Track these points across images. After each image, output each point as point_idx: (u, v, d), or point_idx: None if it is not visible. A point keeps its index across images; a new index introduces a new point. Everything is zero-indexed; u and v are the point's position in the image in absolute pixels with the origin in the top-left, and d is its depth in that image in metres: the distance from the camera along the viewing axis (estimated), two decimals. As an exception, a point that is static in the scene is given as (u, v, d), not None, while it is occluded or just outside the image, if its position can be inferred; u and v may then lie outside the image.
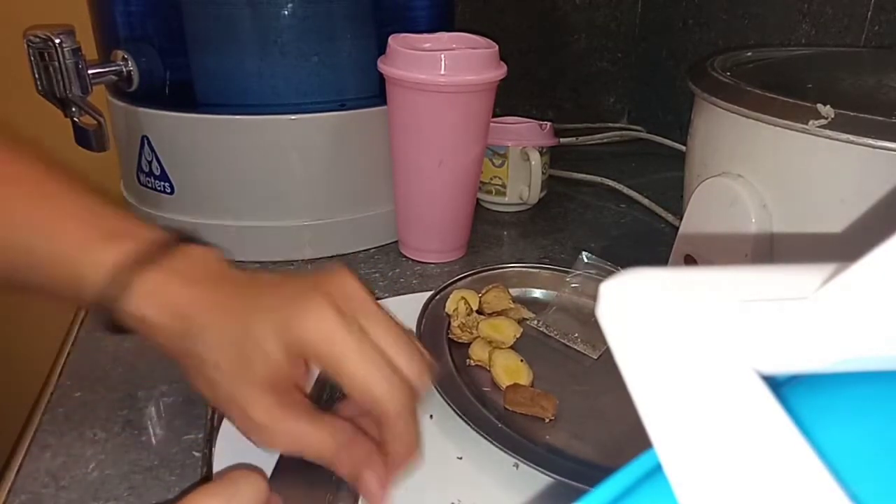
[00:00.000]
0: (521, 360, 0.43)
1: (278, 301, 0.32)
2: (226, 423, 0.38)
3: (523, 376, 0.42)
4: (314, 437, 0.31)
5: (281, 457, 0.35)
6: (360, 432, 0.32)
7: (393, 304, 0.52)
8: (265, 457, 0.36)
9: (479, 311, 0.49)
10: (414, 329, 0.46)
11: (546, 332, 0.48)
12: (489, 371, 0.44)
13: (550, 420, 0.40)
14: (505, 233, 0.69)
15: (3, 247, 0.35)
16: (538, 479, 0.35)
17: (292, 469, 0.34)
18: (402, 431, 0.31)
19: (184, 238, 0.35)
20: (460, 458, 0.37)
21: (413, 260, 0.61)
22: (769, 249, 0.41)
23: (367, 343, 0.30)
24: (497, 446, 0.35)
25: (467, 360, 0.45)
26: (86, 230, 0.34)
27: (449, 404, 0.38)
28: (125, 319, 0.33)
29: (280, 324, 0.31)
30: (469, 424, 0.37)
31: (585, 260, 0.53)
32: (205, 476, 0.36)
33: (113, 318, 0.33)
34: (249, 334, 0.31)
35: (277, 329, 0.31)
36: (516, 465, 0.36)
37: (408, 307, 0.48)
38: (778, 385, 0.14)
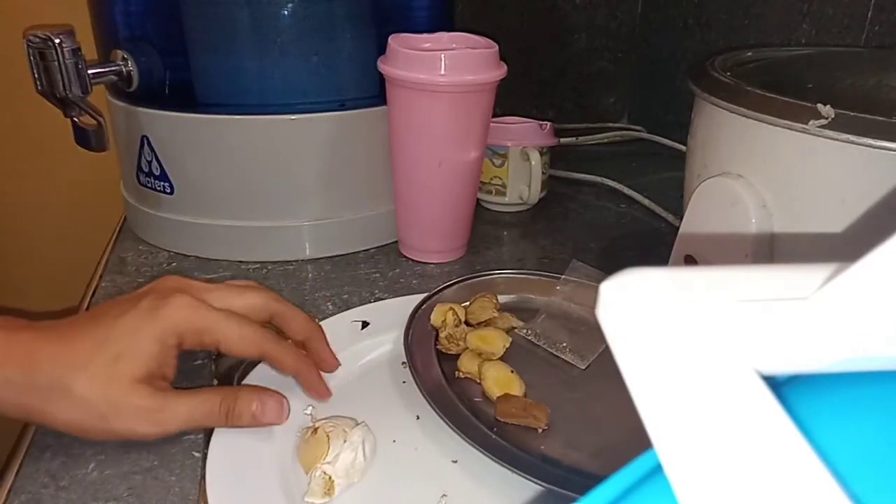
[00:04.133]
0: (512, 371, 0.42)
1: (133, 318, 0.37)
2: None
3: (515, 388, 0.42)
4: (198, 400, 0.37)
5: None
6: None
7: (393, 304, 0.52)
8: (266, 457, 0.36)
9: (466, 322, 0.48)
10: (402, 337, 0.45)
11: (534, 341, 0.47)
12: (479, 384, 0.43)
13: (543, 430, 0.39)
14: (505, 233, 0.69)
15: None
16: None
17: None
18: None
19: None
20: (455, 462, 0.37)
21: (413, 260, 0.61)
22: (769, 249, 0.41)
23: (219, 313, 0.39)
24: (493, 459, 0.35)
25: (456, 372, 0.44)
26: None
27: (441, 416, 0.38)
28: None
29: (150, 321, 0.37)
30: (462, 437, 0.36)
31: (576, 266, 0.52)
32: (204, 475, 0.36)
33: None
34: (114, 342, 0.36)
35: (149, 325, 0.36)
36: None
37: (407, 308, 0.48)
38: (778, 385, 0.14)
